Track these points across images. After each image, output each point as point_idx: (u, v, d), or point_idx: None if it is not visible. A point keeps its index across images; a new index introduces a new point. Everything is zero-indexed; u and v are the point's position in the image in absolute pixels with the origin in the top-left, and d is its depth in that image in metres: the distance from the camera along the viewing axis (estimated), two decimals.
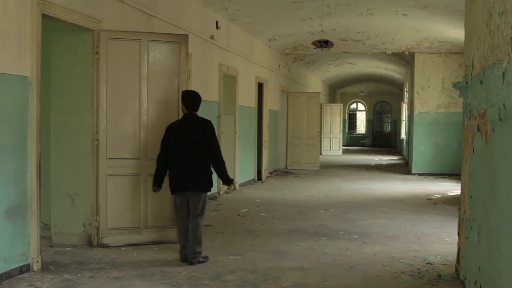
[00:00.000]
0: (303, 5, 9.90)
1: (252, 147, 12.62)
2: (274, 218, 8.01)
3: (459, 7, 8.77)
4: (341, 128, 23.11)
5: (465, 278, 4.53)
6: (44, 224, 6.35)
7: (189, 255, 5.38)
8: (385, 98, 31.64)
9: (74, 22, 5.53)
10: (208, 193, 5.62)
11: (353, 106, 33.24)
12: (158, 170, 5.56)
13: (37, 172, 5.03)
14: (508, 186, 3.14)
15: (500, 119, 3.29)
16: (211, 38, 9.49)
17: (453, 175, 13.79)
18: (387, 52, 14.75)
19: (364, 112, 32.83)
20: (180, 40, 6.27)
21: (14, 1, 4.68)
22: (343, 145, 25.46)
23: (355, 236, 6.81)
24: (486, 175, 3.83)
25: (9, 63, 4.65)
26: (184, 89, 6.08)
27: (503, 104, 3.21)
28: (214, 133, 5.58)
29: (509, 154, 3.13)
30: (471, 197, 4.49)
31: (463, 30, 5.38)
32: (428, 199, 10.24)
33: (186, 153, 5.40)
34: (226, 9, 9.62)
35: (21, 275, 4.81)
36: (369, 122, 32.34)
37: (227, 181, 5.63)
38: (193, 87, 7.79)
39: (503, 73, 3.25)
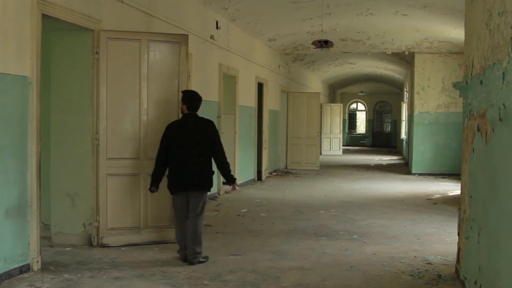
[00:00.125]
0: (303, 5, 9.90)
1: (252, 147, 12.62)
2: (274, 218, 8.01)
3: (459, 7, 8.77)
4: (341, 128, 23.11)
5: (465, 278, 4.53)
6: (44, 224, 6.35)
7: (189, 255, 5.38)
8: (385, 98, 31.64)
9: (74, 22, 5.53)
10: (208, 193, 5.63)
11: (353, 106, 33.24)
12: (157, 170, 5.54)
13: (37, 172, 5.03)
14: (508, 186, 3.14)
15: (500, 119, 3.29)
16: (211, 38, 9.49)
17: (453, 175, 13.79)
18: (387, 52, 14.75)
19: (364, 112, 32.83)
20: (180, 40, 6.27)
21: (14, 1, 4.68)
22: (343, 145, 25.46)
23: (355, 236, 6.81)
24: (486, 175, 3.82)
25: (9, 63, 4.65)
26: (184, 89, 6.08)
27: (503, 104, 3.21)
28: (217, 133, 5.62)
29: (509, 154, 3.13)
30: (471, 197, 4.49)
31: (463, 30, 5.38)
32: (428, 199, 10.24)
33: (187, 153, 5.40)
34: (226, 9, 9.62)
35: (21, 275, 4.81)
36: (369, 122, 32.35)
37: (231, 180, 5.67)
38: (193, 87, 7.80)
39: (503, 73, 3.25)
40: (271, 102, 14.31)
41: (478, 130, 4.17)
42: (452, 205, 9.29)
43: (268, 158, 14.11)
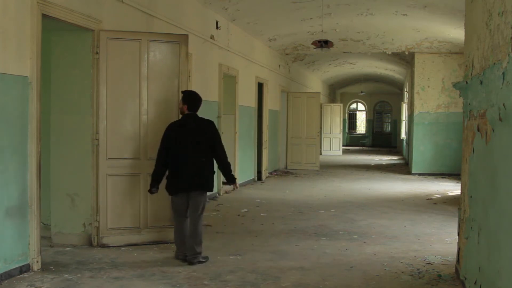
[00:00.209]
0: (303, 5, 9.90)
1: (252, 147, 12.62)
2: (274, 218, 8.01)
3: (459, 7, 8.77)
4: (341, 128, 23.11)
5: (465, 278, 4.53)
6: (44, 224, 6.35)
7: (189, 255, 5.38)
8: (385, 98, 31.64)
9: (74, 22, 5.53)
10: (208, 193, 5.62)
11: (353, 106, 33.24)
12: (158, 170, 5.52)
13: (37, 172, 5.03)
14: (508, 186, 3.14)
15: (500, 119, 3.29)
16: (211, 38, 9.49)
17: (453, 175, 13.79)
18: (387, 52, 14.75)
19: (364, 112, 32.82)
20: (180, 40, 6.27)
21: (14, 1, 4.68)
22: (343, 145, 25.46)
23: (355, 236, 6.81)
24: (486, 175, 3.82)
25: (9, 63, 4.65)
26: (184, 89, 6.08)
27: (503, 104, 3.21)
28: (217, 133, 5.63)
29: (509, 154, 3.13)
30: (471, 197, 4.49)
31: (463, 30, 5.38)
32: (428, 199, 10.24)
33: (187, 153, 5.40)
34: (226, 9, 9.62)
35: (21, 275, 4.81)
36: (369, 122, 32.35)
37: (232, 180, 5.68)
38: (193, 87, 7.80)
39: (503, 73, 3.25)
40: (271, 102, 14.31)
41: (478, 130, 4.17)
42: (452, 205, 9.29)
43: (268, 158, 14.12)
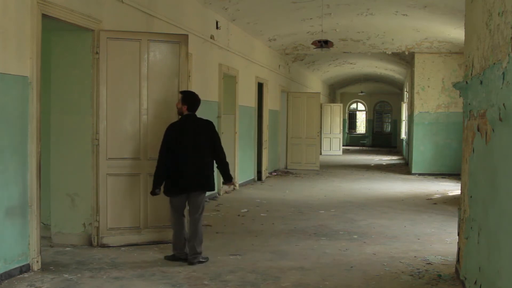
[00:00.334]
0: (303, 5, 9.90)
1: (252, 147, 12.62)
2: (274, 218, 8.01)
3: (459, 7, 8.77)
4: (341, 128, 23.11)
5: (465, 278, 4.53)
6: (44, 224, 6.35)
7: (189, 255, 5.38)
8: (385, 98, 31.64)
9: (74, 22, 5.53)
10: (207, 193, 5.62)
11: (353, 106, 33.24)
12: (161, 172, 5.42)
13: (37, 172, 5.03)
14: (508, 186, 3.14)
15: (500, 119, 3.29)
16: (211, 38, 9.49)
17: (453, 175, 13.79)
18: (387, 52, 14.75)
19: (364, 112, 32.82)
20: (180, 40, 6.27)
21: (14, 1, 4.68)
22: (343, 145, 25.46)
23: (355, 236, 6.81)
24: (486, 175, 3.83)
25: (9, 63, 4.65)
26: (184, 89, 6.08)
27: (503, 104, 3.21)
28: (216, 133, 5.66)
29: (509, 154, 3.13)
30: (471, 197, 4.49)
31: (463, 30, 5.38)
32: (428, 199, 10.24)
33: (187, 154, 5.40)
34: (226, 9, 9.62)
35: (21, 275, 4.81)
36: (369, 122, 32.35)
37: (229, 178, 5.70)
38: (193, 87, 7.80)
39: (503, 73, 3.25)
40: (271, 102, 14.31)
41: (478, 130, 4.17)
42: (452, 205, 9.29)
43: (268, 158, 14.12)
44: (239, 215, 8.24)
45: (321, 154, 20.21)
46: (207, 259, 5.48)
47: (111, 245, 5.96)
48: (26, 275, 4.84)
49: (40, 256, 5.10)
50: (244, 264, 5.40)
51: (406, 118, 19.24)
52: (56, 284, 4.65)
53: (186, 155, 5.40)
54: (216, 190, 9.84)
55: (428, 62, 14.49)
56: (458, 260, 5.05)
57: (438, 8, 9.97)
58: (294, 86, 17.49)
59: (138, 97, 6.06)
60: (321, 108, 20.53)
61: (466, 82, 4.76)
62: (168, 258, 5.53)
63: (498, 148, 3.45)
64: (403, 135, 21.17)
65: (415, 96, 14.72)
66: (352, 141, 31.87)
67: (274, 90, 14.82)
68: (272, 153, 14.80)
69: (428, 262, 5.60)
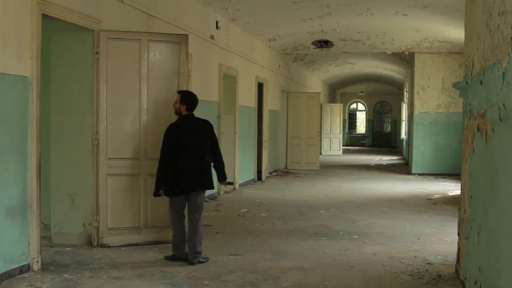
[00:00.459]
0: (303, 5, 9.90)
1: (252, 147, 12.62)
2: (274, 218, 8.01)
3: (459, 7, 8.77)
4: (341, 128, 23.11)
5: (465, 278, 4.53)
6: (44, 224, 6.35)
7: (189, 255, 5.38)
8: (385, 98, 31.64)
9: (74, 22, 5.53)
10: (207, 193, 5.63)
11: (353, 106, 33.24)
12: (163, 173, 5.38)
13: (37, 172, 5.03)
14: (508, 186, 3.14)
15: (500, 119, 3.29)
16: (211, 38, 9.49)
17: (453, 175, 13.79)
18: (387, 52, 14.75)
19: (364, 112, 32.82)
20: (180, 40, 6.27)
21: (14, 1, 4.68)
22: (343, 145, 25.46)
23: (355, 236, 6.81)
24: (486, 175, 3.83)
25: (9, 63, 4.65)
26: (184, 89, 6.07)
27: (503, 104, 3.21)
28: (214, 132, 5.67)
29: (509, 154, 3.13)
30: (471, 197, 4.49)
31: (463, 30, 5.38)
32: (428, 199, 10.24)
33: (187, 153, 5.40)
34: (226, 9, 9.62)
35: (21, 275, 4.81)
36: (369, 122, 32.34)
37: (224, 178, 5.74)
38: (193, 87, 7.80)
39: (503, 73, 3.25)
40: (271, 102, 14.31)
41: (478, 130, 4.17)
42: (452, 205, 9.29)
43: (268, 158, 14.12)
44: (239, 215, 8.24)
45: (321, 154, 20.21)
46: (207, 259, 5.48)
47: (111, 245, 5.96)
48: (26, 275, 4.84)
49: (40, 256, 5.10)
50: (244, 264, 5.40)
51: (406, 118, 19.24)
52: (56, 284, 4.65)
53: (186, 155, 5.40)
54: (216, 190, 9.85)
55: (428, 62, 14.49)
56: (458, 260, 5.05)
57: (438, 8, 9.97)
58: (294, 86, 17.49)
59: (138, 97, 6.06)
60: (321, 108, 20.53)
61: (466, 82, 4.76)
62: (168, 258, 5.53)
63: (498, 148, 3.45)
64: (403, 135, 21.18)
65: (415, 96, 14.72)
66: (352, 141, 31.87)
67: (274, 90, 14.82)
68: (272, 153, 14.80)
69: (428, 262, 5.60)
